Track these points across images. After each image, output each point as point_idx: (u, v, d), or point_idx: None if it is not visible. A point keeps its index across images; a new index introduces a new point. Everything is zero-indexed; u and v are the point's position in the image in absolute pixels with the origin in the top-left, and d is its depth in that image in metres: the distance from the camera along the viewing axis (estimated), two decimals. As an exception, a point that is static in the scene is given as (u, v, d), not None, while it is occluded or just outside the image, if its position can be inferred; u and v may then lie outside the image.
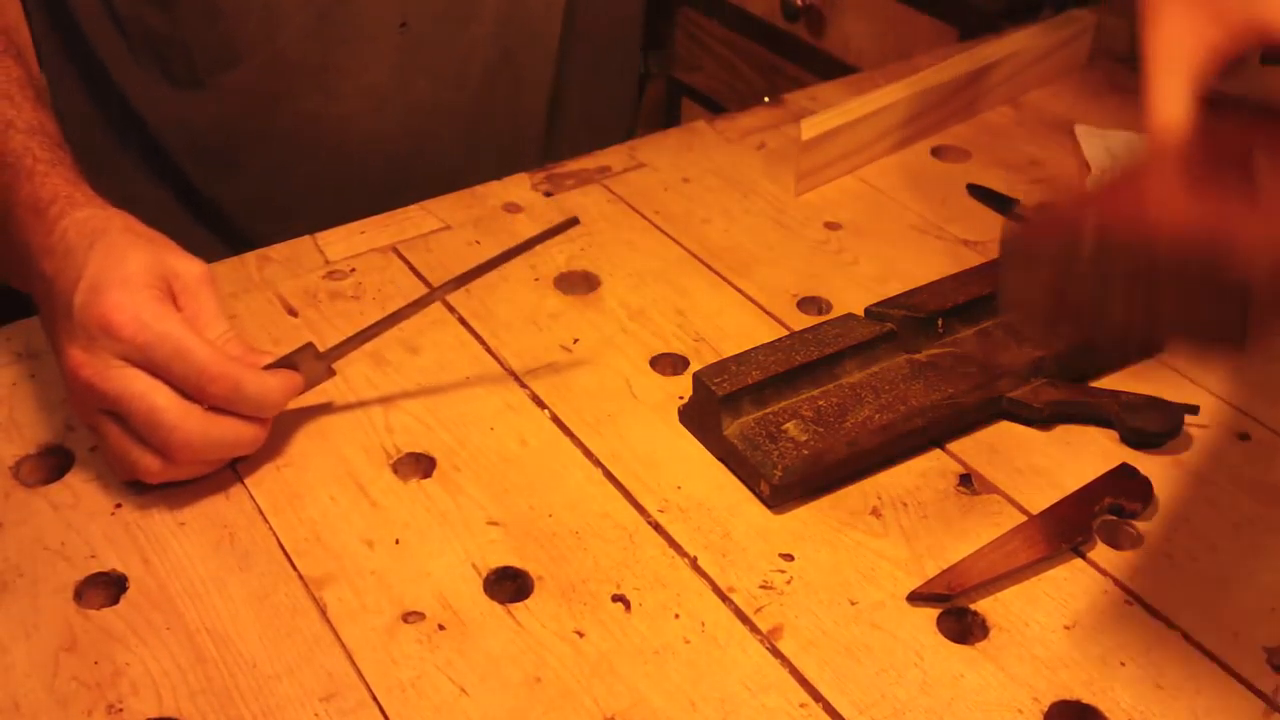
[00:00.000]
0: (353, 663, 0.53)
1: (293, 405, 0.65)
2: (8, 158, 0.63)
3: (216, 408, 0.58)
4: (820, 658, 0.54)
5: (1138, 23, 0.58)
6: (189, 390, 0.57)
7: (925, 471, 0.63)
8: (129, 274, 0.58)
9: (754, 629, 0.55)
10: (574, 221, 0.68)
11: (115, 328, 0.56)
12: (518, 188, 0.85)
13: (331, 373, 0.64)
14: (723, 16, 1.62)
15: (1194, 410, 0.65)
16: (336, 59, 0.87)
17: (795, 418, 0.62)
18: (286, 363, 0.62)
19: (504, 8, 0.92)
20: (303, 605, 0.55)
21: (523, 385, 0.68)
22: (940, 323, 0.68)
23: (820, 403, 0.63)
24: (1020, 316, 0.59)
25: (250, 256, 0.76)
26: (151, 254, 0.59)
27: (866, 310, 0.68)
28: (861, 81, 0.99)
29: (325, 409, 0.66)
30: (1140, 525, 0.60)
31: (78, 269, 0.58)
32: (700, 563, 0.58)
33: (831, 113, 0.86)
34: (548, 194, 0.84)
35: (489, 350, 0.70)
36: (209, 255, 0.66)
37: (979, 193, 0.86)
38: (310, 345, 0.63)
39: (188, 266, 0.61)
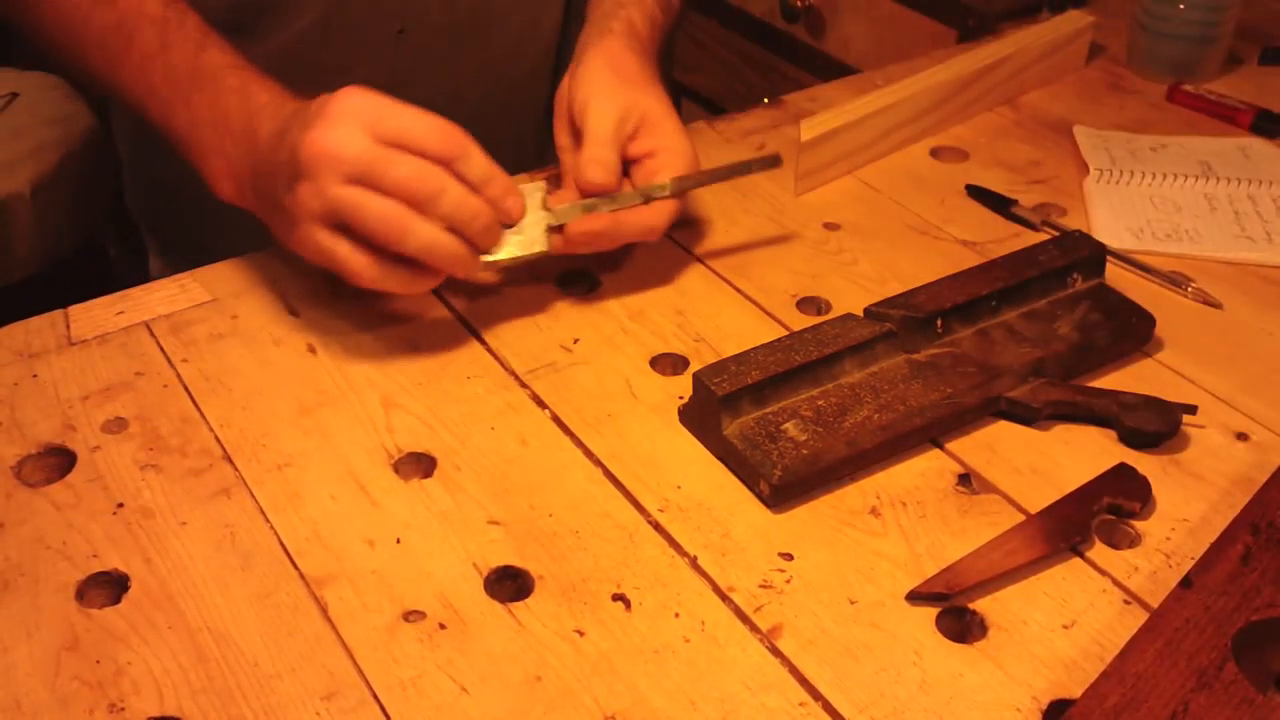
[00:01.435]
0: (354, 662, 0.53)
1: (291, 407, 0.66)
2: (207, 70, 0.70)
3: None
4: (820, 657, 0.54)
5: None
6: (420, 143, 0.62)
7: (924, 471, 0.63)
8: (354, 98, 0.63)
9: (754, 628, 0.55)
10: (777, 159, 0.75)
11: (356, 101, 0.62)
12: (518, 188, 0.85)
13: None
14: (723, 18, 1.63)
15: (1192, 410, 0.65)
16: (333, 58, 0.87)
17: (795, 417, 0.63)
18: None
19: (512, 44, 0.93)
20: (304, 604, 0.55)
21: (523, 385, 0.68)
22: (939, 323, 0.68)
23: (820, 403, 0.64)
24: None
25: (253, 257, 0.77)
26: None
27: (865, 310, 0.68)
28: (861, 82, 0.99)
29: (326, 409, 0.66)
30: (1139, 525, 0.61)
31: (303, 111, 0.64)
32: (700, 562, 0.58)
33: (831, 113, 0.86)
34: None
35: (489, 350, 0.70)
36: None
37: (978, 193, 0.86)
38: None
39: None
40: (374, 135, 0.61)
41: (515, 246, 0.67)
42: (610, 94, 0.73)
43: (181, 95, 0.69)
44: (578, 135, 0.74)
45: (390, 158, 0.61)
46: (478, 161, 0.64)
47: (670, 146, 0.73)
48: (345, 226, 0.62)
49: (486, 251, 0.66)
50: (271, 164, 0.65)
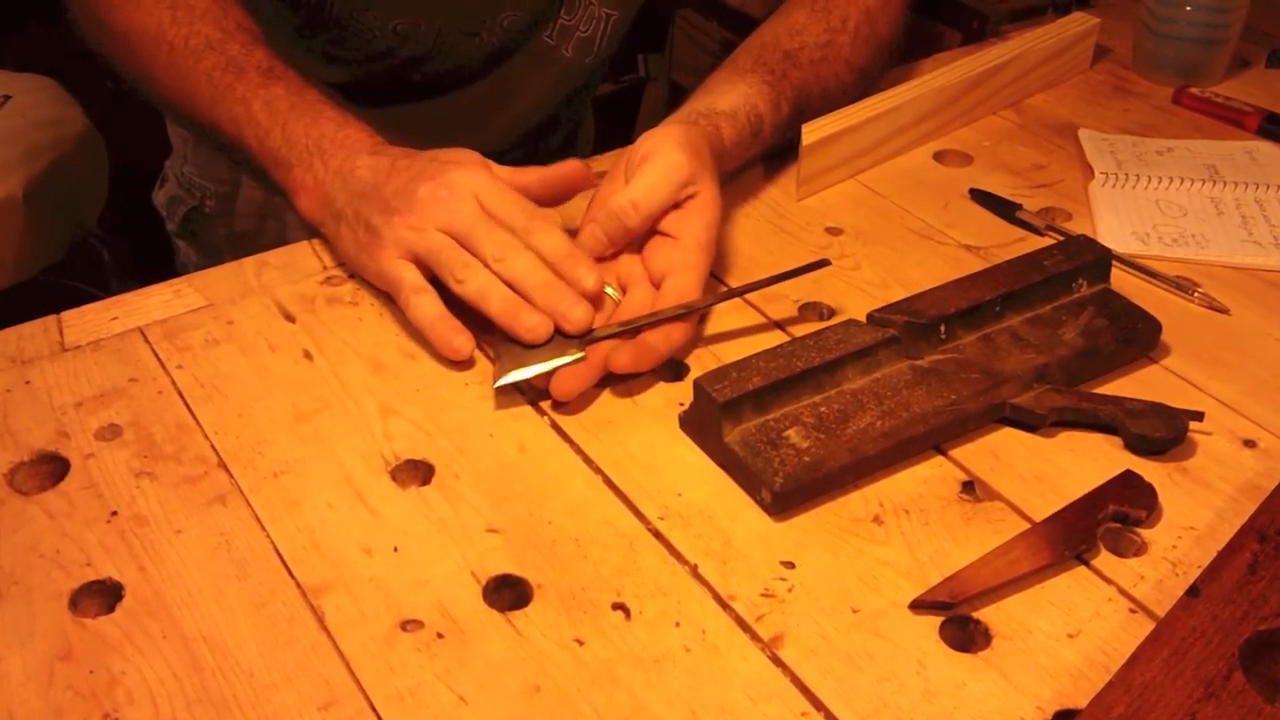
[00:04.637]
0: (351, 671, 0.52)
1: (287, 414, 0.65)
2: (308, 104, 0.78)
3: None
4: (822, 666, 0.53)
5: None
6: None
7: (928, 478, 0.63)
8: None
9: (755, 637, 0.54)
10: (825, 263, 0.73)
11: (473, 175, 0.70)
12: (517, 192, 0.84)
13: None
14: (721, 19, 1.62)
15: (1198, 416, 0.65)
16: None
17: (796, 424, 0.62)
18: None
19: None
20: (300, 614, 0.55)
21: (522, 392, 0.67)
22: (942, 328, 0.67)
23: (822, 409, 0.63)
24: None
25: (249, 262, 0.76)
26: None
27: (868, 316, 0.68)
28: (863, 85, 0.99)
29: (323, 415, 0.65)
30: (1144, 533, 0.60)
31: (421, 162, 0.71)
32: (701, 570, 0.57)
33: (833, 117, 0.86)
34: (548, 198, 0.84)
35: (487, 356, 0.70)
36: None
37: (981, 197, 0.86)
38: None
39: None
40: (483, 207, 0.69)
41: (544, 358, 0.66)
42: (680, 154, 0.71)
43: (280, 121, 0.76)
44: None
45: (484, 230, 0.68)
46: (552, 238, 0.69)
47: (689, 240, 0.71)
48: (421, 265, 0.69)
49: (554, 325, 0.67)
50: (375, 195, 0.71)
